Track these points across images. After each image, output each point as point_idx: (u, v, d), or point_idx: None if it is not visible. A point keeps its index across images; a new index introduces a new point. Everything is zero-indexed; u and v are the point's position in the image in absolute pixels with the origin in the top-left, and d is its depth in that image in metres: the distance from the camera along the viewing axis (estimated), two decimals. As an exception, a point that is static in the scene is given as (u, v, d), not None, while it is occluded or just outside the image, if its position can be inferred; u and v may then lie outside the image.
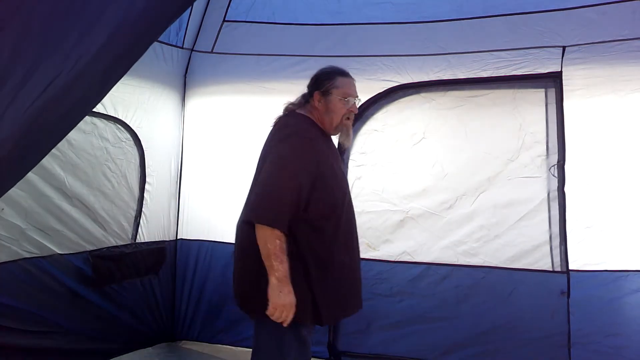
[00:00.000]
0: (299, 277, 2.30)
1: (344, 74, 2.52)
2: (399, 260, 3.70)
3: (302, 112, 2.53)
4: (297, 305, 2.25)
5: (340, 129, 2.50)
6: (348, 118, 2.48)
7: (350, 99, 2.47)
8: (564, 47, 3.47)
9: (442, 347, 3.64)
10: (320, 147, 2.44)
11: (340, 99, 2.45)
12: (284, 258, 2.22)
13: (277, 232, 2.23)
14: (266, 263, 2.23)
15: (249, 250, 2.33)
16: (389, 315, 3.69)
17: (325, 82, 2.48)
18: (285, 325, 2.24)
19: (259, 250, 2.27)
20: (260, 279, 2.30)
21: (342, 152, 2.52)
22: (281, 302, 2.20)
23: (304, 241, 2.32)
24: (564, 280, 3.41)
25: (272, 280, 2.22)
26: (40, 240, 3.26)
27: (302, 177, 2.30)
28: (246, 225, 2.37)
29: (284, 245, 2.24)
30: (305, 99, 2.56)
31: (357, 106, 2.53)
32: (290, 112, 2.55)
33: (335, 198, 2.39)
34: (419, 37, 3.74)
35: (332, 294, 2.37)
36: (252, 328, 4.13)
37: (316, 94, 2.49)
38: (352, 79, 2.53)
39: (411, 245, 3.72)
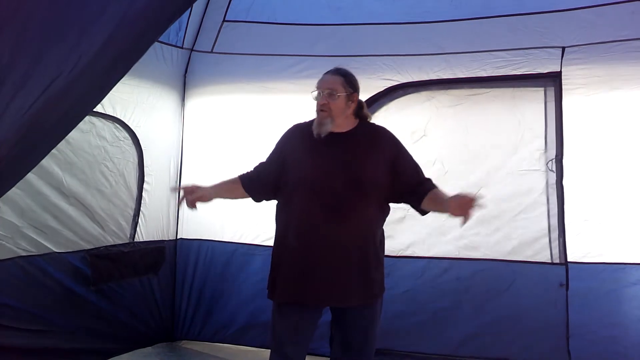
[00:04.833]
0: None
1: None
2: (401, 255, 3.72)
3: None
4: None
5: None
6: (322, 110, 2.56)
7: (317, 91, 2.56)
8: (563, 48, 3.47)
9: (444, 339, 3.67)
10: (294, 140, 2.64)
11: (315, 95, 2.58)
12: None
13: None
14: None
15: None
16: (392, 309, 3.71)
17: None
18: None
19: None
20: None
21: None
22: None
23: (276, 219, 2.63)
24: (562, 272, 3.45)
25: None
26: (37, 238, 3.25)
27: (270, 158, 2.69)
28: None
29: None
30: None
31: (318, 97, 2.57)
32: None
33: (290, 183, 2.57)
34: (419, 37, 3.74)
35: (284, 273, 2.54)
36: (252, 327, 4.13)
37: None
38: (326, 74, 2.60)
39: (413, 240, 3.74)
